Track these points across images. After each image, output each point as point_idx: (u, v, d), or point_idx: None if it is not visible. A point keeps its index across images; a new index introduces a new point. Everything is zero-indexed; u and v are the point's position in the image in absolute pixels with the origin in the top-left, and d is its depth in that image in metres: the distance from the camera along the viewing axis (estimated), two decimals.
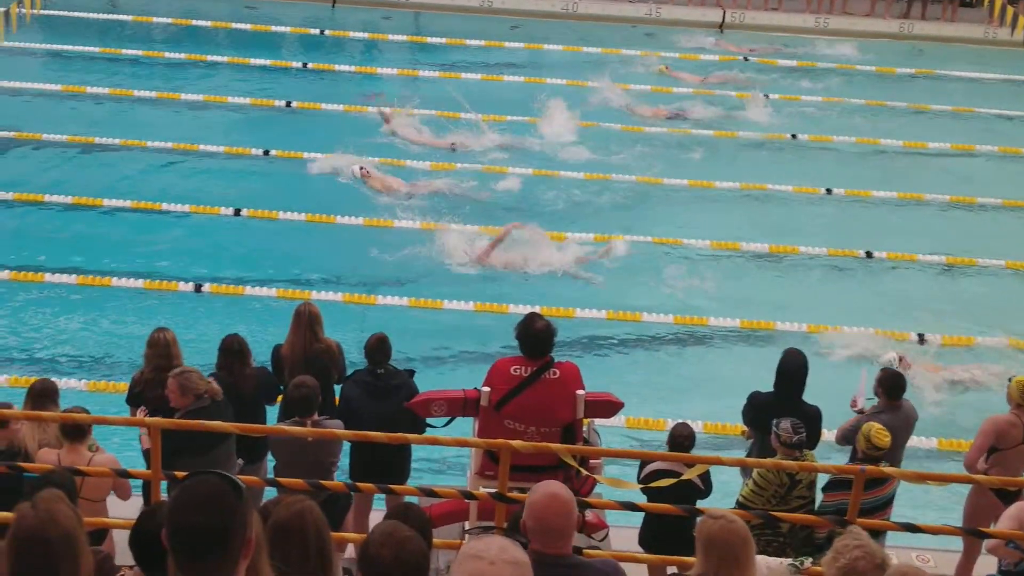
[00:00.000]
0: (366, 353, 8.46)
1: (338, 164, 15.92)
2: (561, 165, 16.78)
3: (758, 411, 8.56)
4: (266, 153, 16.47)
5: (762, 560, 5.86)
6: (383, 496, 7.76)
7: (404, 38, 22.07)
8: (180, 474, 6.65)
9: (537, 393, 7.69)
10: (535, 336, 7.74)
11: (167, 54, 20.43)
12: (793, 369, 8.58)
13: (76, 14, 21.74)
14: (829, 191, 16.62)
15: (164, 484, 6.96)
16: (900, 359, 12.47)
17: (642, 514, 7.89)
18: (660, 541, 7.79)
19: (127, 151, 16.25)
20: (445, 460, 10.19)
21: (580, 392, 7.75)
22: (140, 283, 12.96)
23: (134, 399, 8.46)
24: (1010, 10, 24.87)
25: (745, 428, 9.04)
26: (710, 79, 20.77)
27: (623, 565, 5.20)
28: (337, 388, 8.70)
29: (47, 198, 14.65)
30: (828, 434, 8.87)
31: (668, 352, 12.64)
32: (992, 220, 16.38)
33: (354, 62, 20.53)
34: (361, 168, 15.67)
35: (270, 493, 7.13)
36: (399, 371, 8.50)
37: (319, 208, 14.81)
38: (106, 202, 14.69)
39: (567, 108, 18.10)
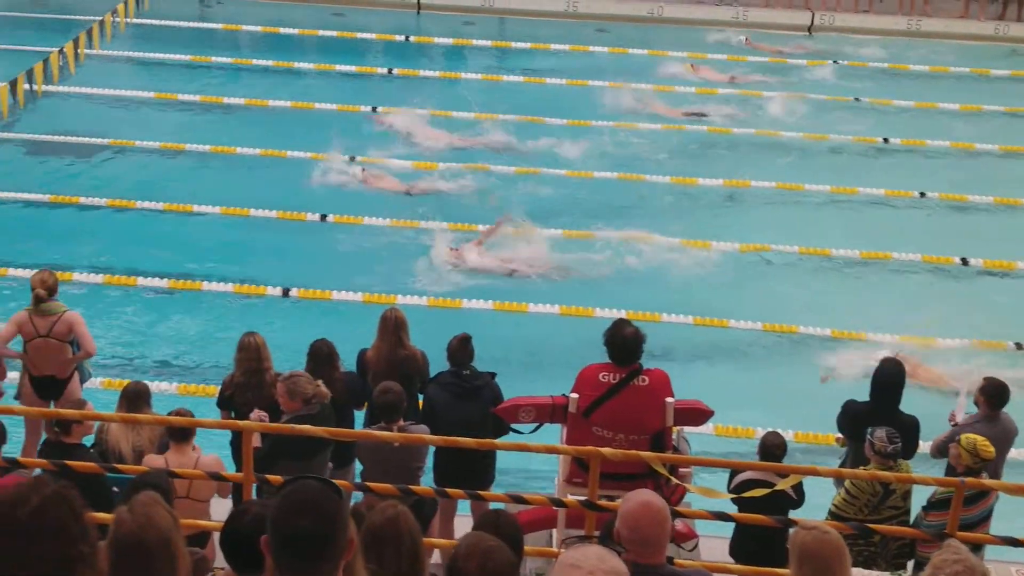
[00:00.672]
0: (449, 355, 8.46)
1: (337, 165, 16.19)
2: (645, 168, 16.67)
3: (853, 420, 8.40)
4: (352, 159, 16.56)
5: (857, 573, 5.72)
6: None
7: (488, 43, 22.08)
8: (272, 478, 6.71)
9: (626, 400, 7.61)
10: (624, 342, 7.66)
11: (255, 61, 20.67)
12: (890, 378, 8.41)
13: (168, 23, 22.11)
14: (923, 195, 16.28)
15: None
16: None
17: (732, 524, 7.75)
18: (751, 552, 7.66)
19: (216, 157, 16.44)
20: (528, 466, 10.12)
21: (669, 400, 7.66)
22: (229, 287, 13.10)
23: (224, 402, 8.57)
24: None
25: (839, 436, 8.86)
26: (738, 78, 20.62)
27: None
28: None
29: (138, 204, 14.87)
30: (925, 446, 8.65)
31: (756, 359, 12.45)
32: None
33: (439, 68, 20.57)
34: (363, 169, 15.94)
35: (355, 497, 7.11)
36: (482, 373, 8.49)
37: (403, 213, 14.86)
38: (196, 207, 14.87)
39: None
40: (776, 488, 7.48)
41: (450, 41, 22.15)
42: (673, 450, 7.90)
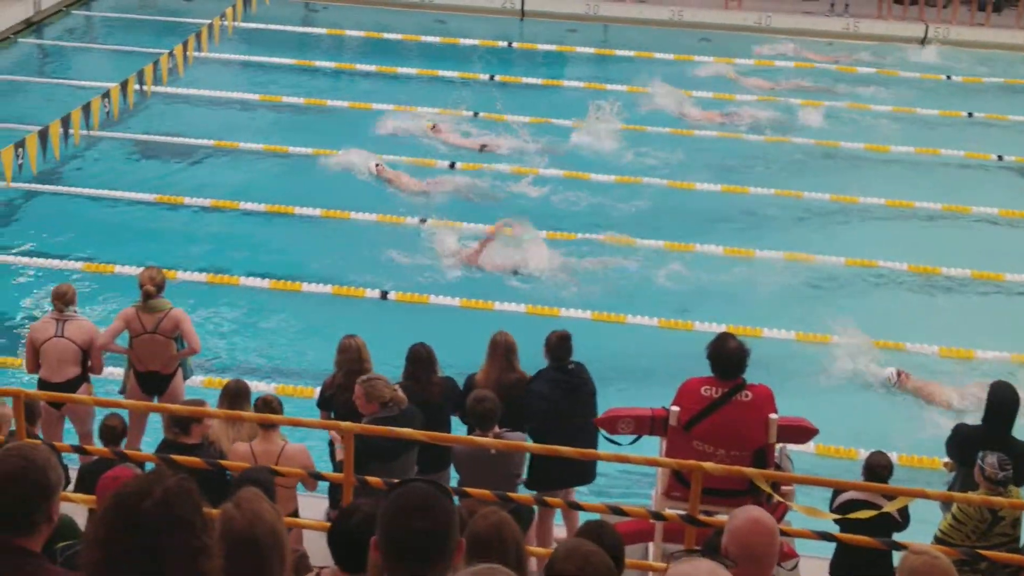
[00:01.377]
0: (549, 351, 8.47)
1: (354, 161, 16.17)
2: (749, 179, 16.47)
3: (963, 444, 8.15)
4: (452, 166, 16.60)
5: None
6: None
7: (592, 51, 21.99)
8: (374, 480, 6.70)
9: (728, 415, 7.47)
10: (727, 356, 7.54)
11: (358, 66, 20.84)
12: (1004, 402, 8.14)
13: (274, 27, 22.40)
14: None
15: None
16: (899, 374, 11.91)
17: (832, 544, 7.57)
18: (853, 573, 7.48)
19: (319, 160, 16.60)
20: (622, 477, 10.02)
21: (773, 416, 7.50)
22: (328, 288, 13.18)
23: (325, 403, 8.64)
24: None
25: (947, 461, 8.61)
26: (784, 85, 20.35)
27: None
28: None
29: (242, 204, 15.06)
30: None
31: (860, 378, 12.16)
32: None
33: (541, 75, 20.54)
34: (376, 164, 16.03)
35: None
36: (582, 366, 8.49)
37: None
38: (298, 210, 15.01)
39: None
40: (884, 510, 7.30)
41: (553, 48, 22.10)
42: (775, 467, 7.74)
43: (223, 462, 6.98)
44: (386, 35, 22.45)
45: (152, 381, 9.46)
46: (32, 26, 22.13)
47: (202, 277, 13.21)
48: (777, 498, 7.38)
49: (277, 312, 12.91)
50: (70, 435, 9.37)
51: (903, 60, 22.14)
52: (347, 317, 12.43)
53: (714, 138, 18.00)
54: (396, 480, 5.10)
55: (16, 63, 20.69)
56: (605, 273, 13.85)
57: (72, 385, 9.15)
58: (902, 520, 7.67)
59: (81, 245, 13.86)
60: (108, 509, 3.10)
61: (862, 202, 16.02)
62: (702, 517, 6.75)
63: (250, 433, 7.90)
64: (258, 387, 10.80)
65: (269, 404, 7.69)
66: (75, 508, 6.15)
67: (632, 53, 21.74)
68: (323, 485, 7.83)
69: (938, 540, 7.45)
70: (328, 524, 7.60)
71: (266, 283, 13.25)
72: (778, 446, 7.91)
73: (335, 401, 8.51)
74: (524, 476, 8.11)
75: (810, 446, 9.81)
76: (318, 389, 9.05)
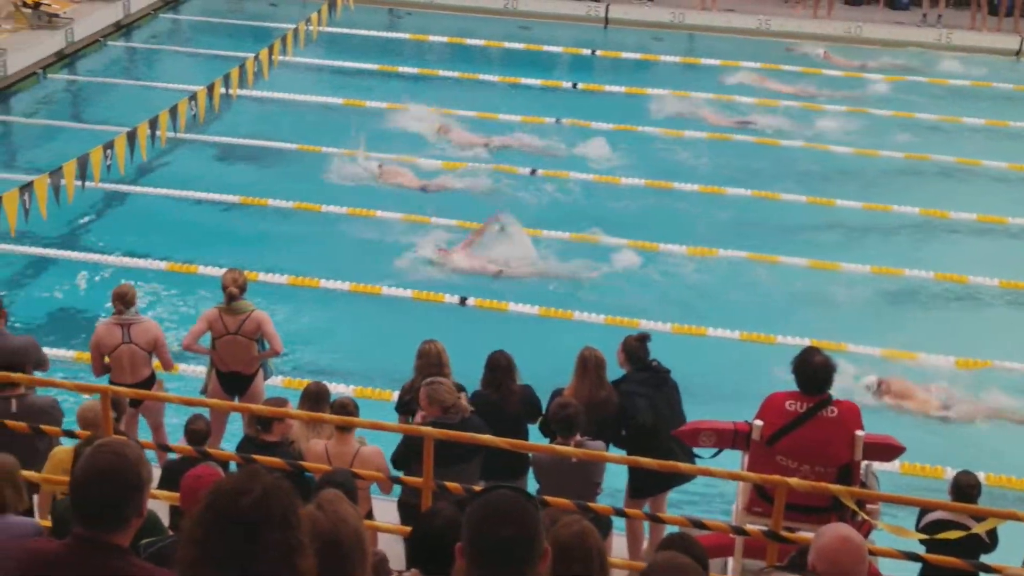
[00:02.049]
0: (628, 354, 8.50)
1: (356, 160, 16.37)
2: (835, 191, 16.24)
3: None
4: (533, 172, 16.56)
5: None
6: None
7: (677, 59, 21.83)
8: (451, 485, 6.67)
9: (813, 431, 7.33)
10: (813, 371, 7.40)
11: (441, 72, 20.90)
12: None
13: (358, 31, 22.55)
14: None
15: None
16: (879, 383, 11.67)
17: (917, 565, 7.39)
18: None
19: (394, 167, 16.64)
20: (699, 490, 9.88)
21: (860, 432, 7.34)
22: (408, 293, 13.20)
23: (403, 407, 8.63)
24: None
25: None
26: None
27: None
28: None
29: (324, 207, 15.14)
30: None
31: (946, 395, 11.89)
32: None
33: (624, 82, 20.43)
34: (380, 165, 16.16)
35: None
36: (663, 365, 8.56)
37: (585, 226, 14.77)
38: (379, 213, 15.06)
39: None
40: (973, 531, 7.10)
41: (637, 56, 21.96)
42: (861, 485, 7.58)
43: (302, 463, 6.98)
44: (469, 41, 22.49)
45: (234, 381, 9.54)
46: (121, 29, 22.52)
47: (283, 279, 13.30)
48: (863, 516, 7.22)
49: (357, 315, 12.96)
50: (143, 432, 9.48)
51: (997, 72, 21.66)
52: (426, 322, 12.45)
53: (800, 148, 17.77)
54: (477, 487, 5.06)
55: (105, 65, 21.08)
56: (685, 285, 13.73)
57: (145, 385, 9.25)
58: (991, 542, 7.47)
59: (165, 245, 14.04)
60: (206, 507, 3.12)
61: (952, 217, 15.70)
62: (784, 533, 6.62)
63: (330, 435, 7.92)
64: (337, 389, 10.82)
65: (345, 407, 7.70)
66: (156, 505, 6.18)
67: (718, 62, 21.54)
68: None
69: None
70: (402, 528, 7.64)
71: (346, 286, 13.30)
72: (863, 463, 7.75)
73: (413, 405, 8.49)
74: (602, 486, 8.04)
75: (895, 464, 9.62)
76: (396, 393, 9.05)
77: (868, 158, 17.54)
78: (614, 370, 8.61)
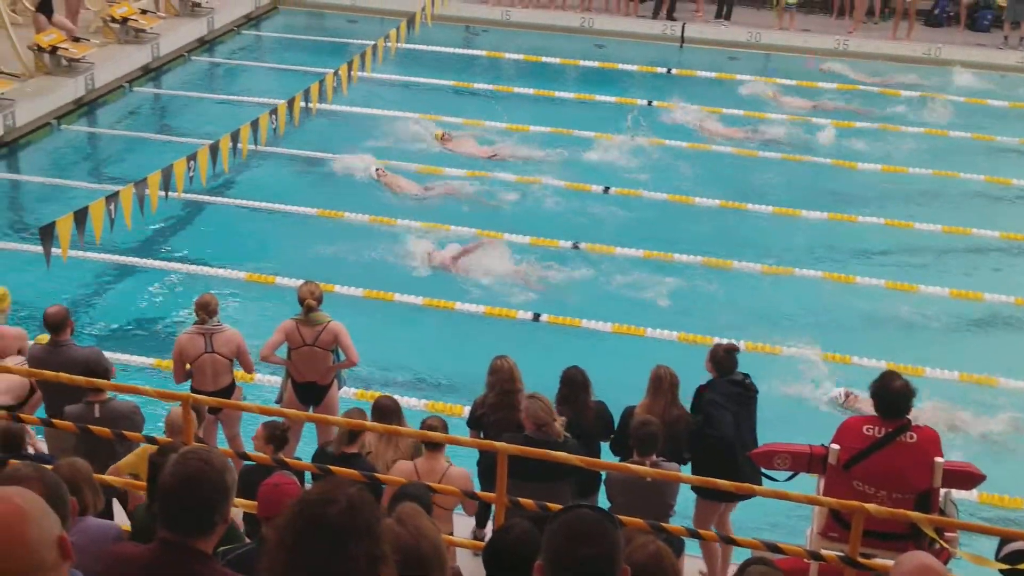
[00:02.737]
0: (716, 363, 8.45)
1: (356, 164, 16.56)
2: (914, 215, 16.02)
3: None
4: (606, 190, 16.55)
5: None
6: None
7: (751, 78, 21.70)
8: (525, 501, 6.67)
9: (891, 456, 7.22)
10: (892, 396, 7.30)
11: (516, 89, 20.99)
12: None
13: (435, 48, 22.73)
14: None
15: None
16: (847, 395, 11.58)
17: None
18: None
19: (471, 181, 16.70)
20: (771, 513, 9.78)
21: (939, 459, 7.22)
22: (481, 309, 13.25)
23: (475, 422, 8.64)
24: None
25: None
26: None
27: None
28: None
29: (399, 221, 15.21)
30: None
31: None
32: None
33: (699, 101, 20.35)
34: (377, 169, 16.38)
35: None
36: (753, 384, 8.52)
37: (659, 244, 14.73)
38: (453, 228, 15.13)
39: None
40: None
41: (712, 75, 21.87)
42: (939, 512, 7.45)
43: (379, 475, 7.02)
44: (545, 59, 22.56)
45: (309, 391, 9.64)
46: (205, 44, 22.93)
47: (358, 291, 13.41)
48: (942, 544, 7.10)
49: (430, 329, 13.02)
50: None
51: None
52: (499, 336, 12.50)
53: (878, 172, 17.58)
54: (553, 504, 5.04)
55: (189, 79, 21.46)
56: (759, 304, 13.63)
57: (226, 393, 9.38)
58: None
59: (244, 255, 14.23)
60: (294, 515, 3.13)
61: (975, 233, 15.50)
62: (861, 560, 6.53)
63: (405, 450, 7.96)
64: (408, 403, 10.91)
65: (435, 428, 7.70)
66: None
67: (794, 82, 21.39)
68: None
69: None
70: (478, 543, 7.66)
71: (419, 300, 13.37)
72: (942, 491, 7.63)
73: (485, 421, 8.52)
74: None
75: (973, 493, 9.47)
76: (467, 408, 9.08)
77: (947, 180, 17.32)
78: (686, 390, 8.59)
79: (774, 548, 6.78)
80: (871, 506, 6.54)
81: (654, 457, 7.64)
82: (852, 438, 7.33)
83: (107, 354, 9.31)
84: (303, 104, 16.77)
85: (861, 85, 21.36)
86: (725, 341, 9.15)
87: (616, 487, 7.81)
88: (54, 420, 7.73)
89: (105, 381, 7.80)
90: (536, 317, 13.12)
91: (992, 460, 10.43)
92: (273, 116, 15.67)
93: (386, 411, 8.07)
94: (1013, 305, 13.71)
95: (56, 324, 8.90)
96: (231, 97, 20.12)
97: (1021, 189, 17.16)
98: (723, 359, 8.47)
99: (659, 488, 7.59)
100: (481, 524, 8.64)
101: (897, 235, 15.58)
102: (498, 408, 8.44)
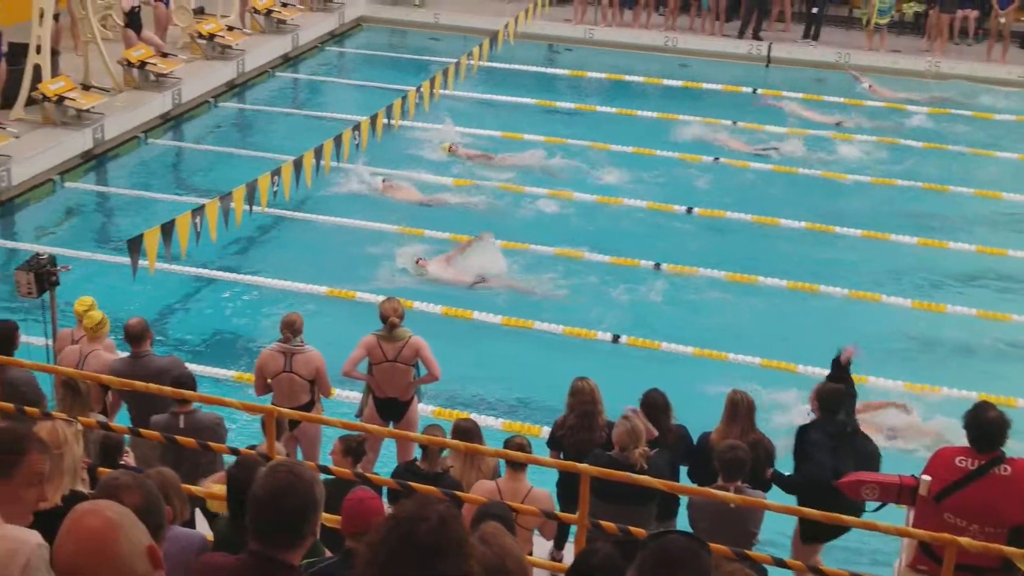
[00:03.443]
0: (821, 401, 8.25)
1: (363, 176, 16.82)
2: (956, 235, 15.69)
3: None
4: (689, 211, 16.40)
5: None
6: None
7: (840, 99, 21.40)
8: (607, 524, 6.57)
9: (984, 489, 7.03)
10: (986, 427, 7.12)
11: (599, 108, 20.92)
12: None
13: (517, 67, 22.76)
14: None
15: None
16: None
17: None
18: None
19: (553, 201, 16.67)
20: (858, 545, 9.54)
21: None
22: (559, 328, 13.15)
23: (555, 443, 8.60)
24: None
25: None
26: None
27: None
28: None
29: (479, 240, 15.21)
30: None
31: None
32: None
33: (785, 123, 20.14)
34: (383, 180, 16.58)
35: None
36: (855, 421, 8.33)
37: (743, 267, 14.54)
38: (531, 246, 15.06)
39: None
40: None
41: (799, 96, 21.58)
42: None
43: (460, 493, 6.96)
44: (628, 78, 22.46)
45: (390, 407, 9.64)
46: (289, 61, 23.20)
47: (436, 309, 13.40)
48: None
49: (508, 348, 12.95)
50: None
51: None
52: (577, 356, 12.41)
53: (970, 197, 17.24)
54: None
55: (273, 95, 21.72)
56: (845, 331, 13.34)
57: (303, 410, 9.37)
58: None
59: (326, 270, 14.30)
60: (386, 533, 3.15)
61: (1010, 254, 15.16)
62: None
63: (487, 472, 7.90)
64: (486, 422, 10.81)
65: (523, 448, 7.64)
66: None
67: (882, 104, 21.06)
68: None
69: None
70: (556, 564, 7.57)
71: (498, 319, 13.32)
72: None
73: (565, 442, 8.47)
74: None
75: None
76: (546, 428, 9.00)
77: (991, 201, 16.91)
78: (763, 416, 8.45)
79: None
80: (964, 540, 6.36)
81: (739, 483, 7.50)
82: (944, 469, 7.16)
83: (188, 365, 9.40)
84: (386, 120, 16.84)
85: (952, 109, 20.96)
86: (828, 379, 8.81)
87: (699, 512, 7.68)
88: (141, 430, 7.78)
89: (192, 392, 7.85)
90: (616, 339, 12.99)
91: None
92: (356, 132, 15.76)
93: (466, 432, 8.00)
94: None
95: (136, 335, 9.01)
96: (313, 113, 20.30)
97: None
98: (829, 397, 8.23)
99: (742, 515, 7.46)
100: (559, 546, 8.55)
101: (989, 262, 15.22)
102: (578, 429, 8.41)
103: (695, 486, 7.88)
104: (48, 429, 5.26)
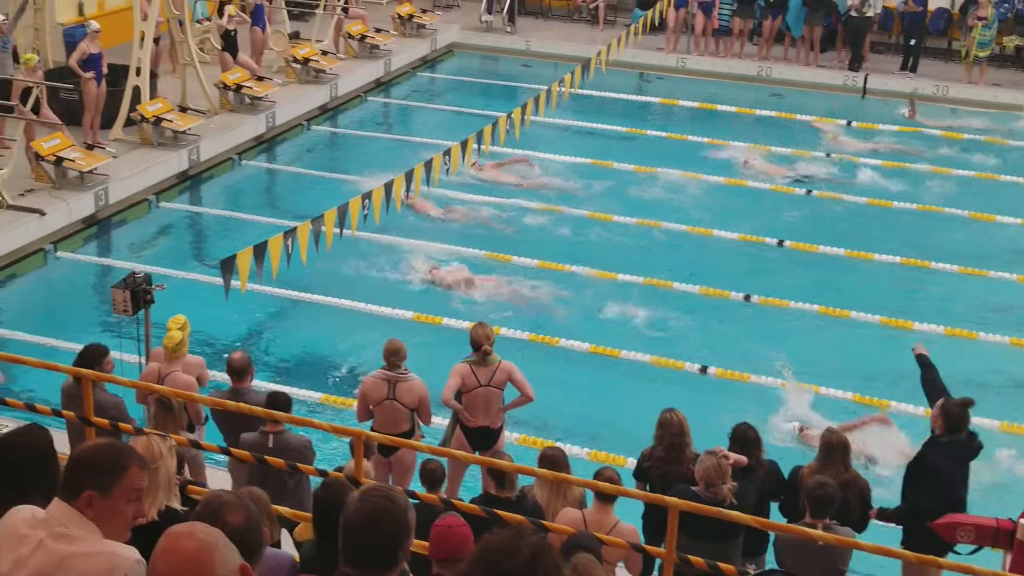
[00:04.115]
0: (947, 418, 8.14)
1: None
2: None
3: None
4: (780, 243, 16.20)
5: None
6: None
7: (938, 133, 21.04)
8: (696, 560, 6.46)
9: None
10: None
11: (689, 137, 20.81)
12: None
13: (608, 94, 22.74)
14: None
15: None
16: (801, 428, 11.11)
17: None
18: None
19: (642, 230, 16.59)
20: None
21: None
22: (648, 358, 13.04)
23: (641, 474, 8.49)
24: None
25: None
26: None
27: None
28: None
29: (571, 268, 15.16)
30: None
31: None
32: None
33: (881, 157, 19.84)
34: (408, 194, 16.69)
35: None
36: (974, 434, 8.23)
37: (836, 301, 14.30)
38: (619, 276, 14.99)
39: None
40: None
41: (894, 128, 21.25)
42: None
43: (547, 522, 6.89)
44: (719, 107, 22.31)
45: (481, 436, 9.61)
46: (381, 86, 23.45)
47: (524, 335, 13.36)
48: None
49: (594, 377, 12.86)
50: None
51: None
52: (665, 387, 12.29)
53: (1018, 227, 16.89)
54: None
55: (364, 119, 21.98)
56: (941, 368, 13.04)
57: (404, 438, 9.35)
58: None
59: (414, 295, 14.37)
60: (479, 563, 3.14)
61: None
62: None
63: (573, 502, 7.83)
64: (572, 451, 10.74)
65: (613, 481, 7.56)
66: None
67: (982, 138, 20.66)
68: None
69: None
70: None
71: (585, 346, 13.25)
72: None
73: (652, 473, 8.37)
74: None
75: None
76: (631, 459, 8.90)
77: None
78: None
79: None
80: None
81: (827, 520, 7.34)
82: None
83: (274, 386, 9.46)
84: (476, 147, 16.90)
85: None
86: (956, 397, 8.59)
87: (787, 549, 7.52)
88: (231, 448, 7.84)
89: (282, 413, 7.88)
90: (703, 369, 12.84)
91: None
92: (446, 157, 15.82)
93: (554, 461, 7.92)
94: None
95: (238, 370, 9.09)
96: (404, 137, 20.45)
97: None
98: (957, 415, 8.06)
99: (831, 553, 7.30)
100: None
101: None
102: (666, 462, 8.30)
103: (784, 522, 7.74)
104: (144, 444, 5.31)
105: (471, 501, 7.63)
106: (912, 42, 23.83)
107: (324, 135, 21.13)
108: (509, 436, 10.86)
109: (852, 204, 17.74)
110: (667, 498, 6.69)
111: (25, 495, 3.94)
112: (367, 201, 13.36)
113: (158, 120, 17.83)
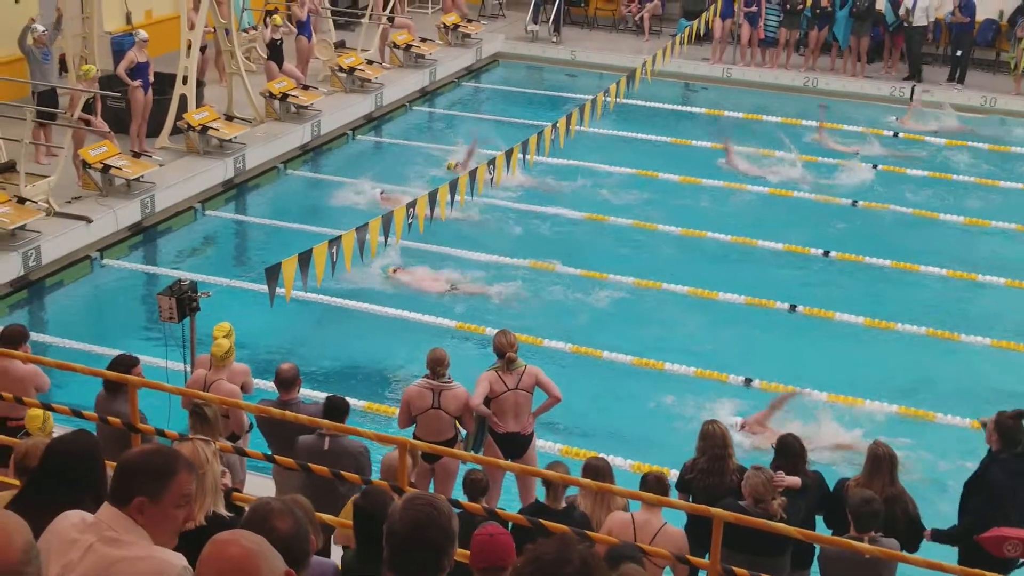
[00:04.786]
0: (1002, 433, 8.00)
1: (362, 189, 17.48)
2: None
3: None
4: (826, 254, 16.08)
5: None
6: None
7: (985, 147, 20.81)
8: (740, 572, 6.41)
9: None
10: None
11: (735, 148, 20.67)
12: None
13: (653, 104, 22.66)
14: None
15: None
16: (743, 425, 11.16)
17: None
18: None
19: (687, 240, 16.54)
20: None
21: None
22: (692, 370, 12.97)
23: (684, 485, 8.46)
24: None
25: None
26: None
27: None
28: None
29: (610, 277, 15.12)
30: None
31: None
32: None
33: (926, 167, 19.66)
34: (381, 192, 17.05)
35: None
36: None
37: (881, 312, 14.18)
38: (664, 285, 14.94)
39: None
40: None
41: (941, 141, 21.05)
42: None
43: (590, 532, 6.87)
44: (765, 118, 22.18)
45: (511, 443, 9.59)
46: (426, 95, 23.55)
47: (566, 347, 13.34)
48: None
49: (638, 387, 12.81)
50: None
51: None
52: (710, 399, 12.22)
53: None
54: None
55: (409, 128, 22.06)
56: (986, 381, 12.91)
57: (447, 446, 9.36)
58: None
59: (453, 303, 14.39)
60: (529, 573, 3.14)
61: None
62: None
63: (616, 510, 7.80)
64: (615, 461, 10.68)
65: (661, 481, 7.54)
66: None
67: None
68: None
69: None
70: None
71: (628, 359, 13.20)
72: None
73: (694, 485, 8.32)
74: None
75: None
76: (675, 471, 8.87)
77: None
78: None
79: None
80: None
81: (872, 533, 7.27)
82: None
83: (317, 394, 9.47)
84: (521, 156, 16.91)
85: None
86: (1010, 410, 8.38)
87: (831, 562, 7.47)
88: (277, 457, 7.85)
89: (330, 422, 7.90)
90: (748, 381, 12.76)
91: None
92: (491, 167, 15.85)
93: (598, 471, 7.90)
94: None
95: (286, 380, 9.13)
96: (448, 147, 20.50)
97: None
98: (1011, 428, 7.92)
99: (876, 565, 7.22)
100: None
101: None
102: (709, 474, 8.26)
103: (829, 535, 7.67)
104: (190, 449, 5.34)
105: (519, 512, 7.63)
106: (959, 53, 23.60)
107: (369, 144, 21.23)
108: (552, 446, 10.86)
109: (899, 215, 17.58)
110: (713, 509, 6.64)
111: (74, 500, 3.98)
112: (411, 210, 13.40)
113: (204, 128, 17.99)
